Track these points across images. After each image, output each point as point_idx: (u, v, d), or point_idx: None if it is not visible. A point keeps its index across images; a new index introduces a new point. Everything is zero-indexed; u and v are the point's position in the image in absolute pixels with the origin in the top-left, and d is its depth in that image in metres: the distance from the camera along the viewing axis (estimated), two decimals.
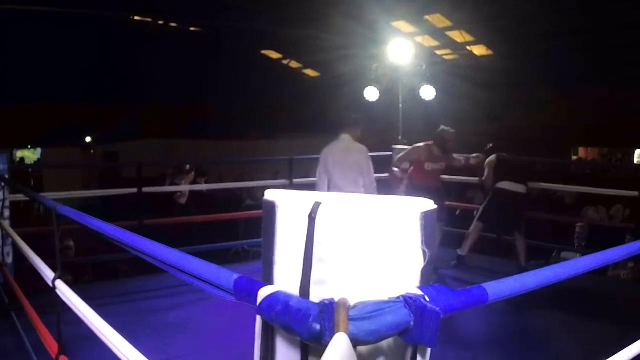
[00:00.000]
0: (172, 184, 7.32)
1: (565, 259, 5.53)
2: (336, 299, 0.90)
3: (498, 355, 3.67)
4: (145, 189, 5.51)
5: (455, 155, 5.58)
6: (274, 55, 17.05)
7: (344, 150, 4.66)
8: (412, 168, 5.42)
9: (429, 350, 1.07)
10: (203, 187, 7.91)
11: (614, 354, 1.87)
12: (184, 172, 7.14)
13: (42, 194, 4.44)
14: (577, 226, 6.31)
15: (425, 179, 5.26)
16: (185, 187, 7.54)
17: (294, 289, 1.06)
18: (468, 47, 14.17)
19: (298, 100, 15.81)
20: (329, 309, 0.89)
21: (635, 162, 16.18)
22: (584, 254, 5.30)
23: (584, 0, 10.36)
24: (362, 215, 1.03)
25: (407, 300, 0.93)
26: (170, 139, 15.00)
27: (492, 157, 5.60)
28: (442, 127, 5.38)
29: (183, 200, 7.09)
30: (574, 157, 16.67)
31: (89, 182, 12.76)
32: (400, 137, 7.07)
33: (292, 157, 6.17)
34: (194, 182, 7.25)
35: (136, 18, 13.15)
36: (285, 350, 1.13)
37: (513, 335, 3.95)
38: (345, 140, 4.70)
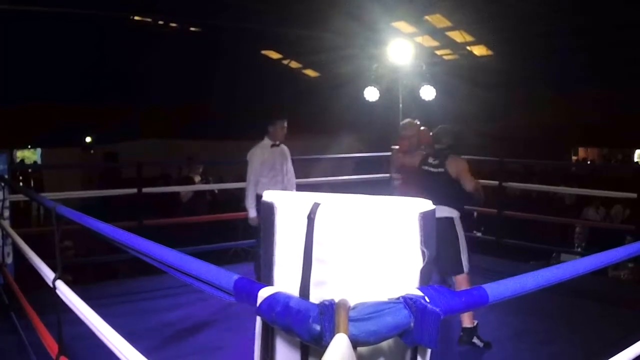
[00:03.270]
0: (187, 177, 8.07)
1: (564, 262, 5.50)
2: (336, 300, 0.90)
3: (498, 355, 3.68)
4: (145, 190, 5.52)
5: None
6: (274, 55, 17.03)
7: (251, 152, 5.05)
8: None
9: (428, 351, 1.07)
10: (203, 187, 7.94)
11: (614, 354, 1.87)
12: (195, 166, 8.13)
13: (42, 194, 4.45)
14: (577, 227, 6.31)
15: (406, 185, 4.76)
16: (185, 188, 7.60)
17: (293, 290, 1.06)
18: (468, 47, 14.16)
19: (298, 100, 15.80)
20: (328, 309, 0.89)
21: (635, 161, 16.17)
22: (583, 256, 5.29)
23: (584, 0, 10.35)
24: (361, 215, 1.02)
25: (407, 301, 0.93)
26: (170, 139, 14.99)
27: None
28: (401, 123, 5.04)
29: (187, 198, 7.48)
30: (574, 158, 16.67)
31: (89, 183, 12.76)
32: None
33: (291, 158, 6.16)
34: (203, 176, 7.84)
35: (136, 18, 13.14)
36: (285, 351, 1.13)
37: (513, 335, 3.95)
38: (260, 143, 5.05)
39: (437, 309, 0.92)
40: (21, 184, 11.34)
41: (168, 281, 4.32)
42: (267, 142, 5.00)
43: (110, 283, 5.55)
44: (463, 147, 4.52)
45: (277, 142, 5.02)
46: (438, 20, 12.55)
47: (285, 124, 5.08)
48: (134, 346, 1.83)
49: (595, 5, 10.15)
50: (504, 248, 6.08)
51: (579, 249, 6.63)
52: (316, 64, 16.61)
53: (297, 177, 6.11)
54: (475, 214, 7.28)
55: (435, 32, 13.03)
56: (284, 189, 4.99)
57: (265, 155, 4.93)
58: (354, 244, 1.02)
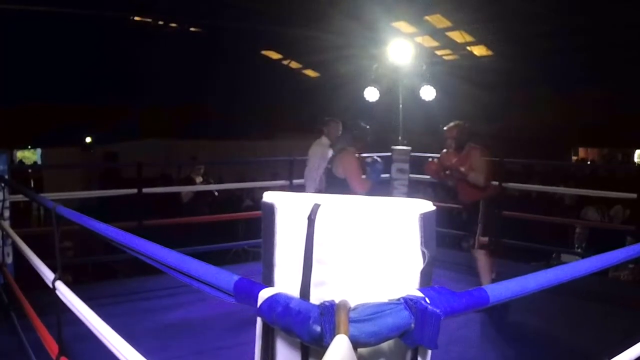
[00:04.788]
0: (188, 177, 8.11)
1: (565, 262, 5.49)
2: (336, 301, 0.90)
3: (498, 355, 3.67)
4: (145, 190, 5.51)
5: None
6: (274, 55, 17.03)
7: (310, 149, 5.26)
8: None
9: (429, 352, 1.07)
10: (202, 187, 7.94)
11: (615, 354, 1.87)
12: (197, 167, 8.18)
13: (42, 195, 4.45)
14: (577, 228, 6.29)
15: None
16: (185, 188, 7.61)
17: (294, 291, 1.06)
18: (468, 48, 14.16)
19: (298, 100, 15.80)
20: (329, 310, 0.89)
21: (636, 161, 16.16)
22: (583, 256, 5.30)
23: (584, 0, 10.35)
24: (361, 216, 1.02)
25: (408, 302, 0.92)
26: (170, 139, 14.99)
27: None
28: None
29: (187, 198, 7.52)
30: (574, 158, 16.66)
31: (89, 183, 12.75)
32: (400, 138, 7.07)
33: (292, 158, 6.17)
34: (204, 177, 7.90)
35: (136, 18, 13.13)
36: (286, 351, 1.13)
37: (513, 335, 3.95)
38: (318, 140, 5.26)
39: (438, 310, 0.92)
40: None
41: (168, 281, 4.31)
42: (325, 140, 5.22)
43: (110, 283, 5.55)
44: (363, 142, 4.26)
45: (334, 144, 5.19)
46: (438, 20, 12.55)
47: (341, 126, 5.28)
48: (133, 346, 1.83)
49: (595, 5, 10.15)
50: (504, 248, 6.08)
51: (579, 250, 6.62)
52: (316, 64, 16.60)
53: (297, 178, 6.13)
54: None
55: (435, 32, 13.03)
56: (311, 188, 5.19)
57: (325, 153, 5.13)
58: (354, 244, 1.01)
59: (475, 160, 4.43)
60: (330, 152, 5.10)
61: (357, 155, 4.23)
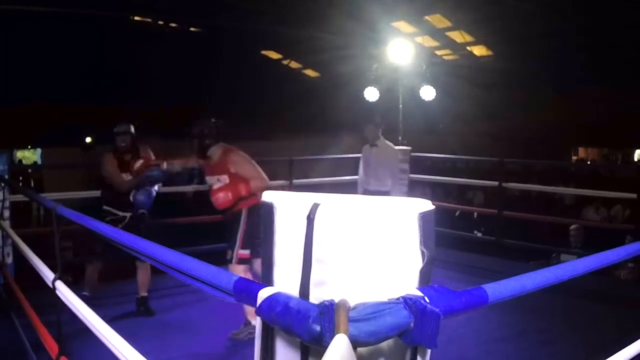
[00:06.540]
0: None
1: (564, 262, 5.47)
2: (336, 300, 0.90)
3: (497, 354, 3.67)
4: None
5: None
6: (274, 55, 17.04)
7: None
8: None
9: (428, 351, 1.07)
10: (202, 187, 7.94)
11: (614, 353, 1.87)
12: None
13: (42, 194, 4.45)
14: (571, 228, 6.26)
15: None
16: (186, 188, 7.60)
17: (293, 290, 1.06)
18: (468, 48, 14.16)
19: (298, 100, 15.81)
20: (328, 310, 0.89)
21: (636, 160, 16.16)
22: (582, 256, 5.27)
23: (584, 0, 10.36)
24: (360, 216, 1.02)
25: (407, 302, 0.92)
26: (170, 139, 14.99)
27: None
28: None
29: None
30: (574, 158, 16.67)
31: (89, 183, 12.75)
32: (400, 138, 7.07)
33: (292, 158, 6.18)
34: None
35: (136, 18, 13.14)
36: (285, 351, 1.13)
37: (512, 334, 3.95)
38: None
39: (437, 310, 0.92)
40: (21, 184, 11.33)
41: (168, 281, 4.32)
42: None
43: (111, 283, 5.54)
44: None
45: (374, 143, 5.55)
46: (438, 20, 12.55)
47: (375, 127, 5.55)
48: (133, 346, 1.83)
49: (595, 5, 10.15)
50: (504, 248, 6.08)
51: (576, 250, 6.62)
52: (316, 64, 16.61)
53: (296, 178, 6.11)
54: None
55: (435, 32, 13.04)
56: (371, 186, 5.54)
57: (364, 153, 5.71)
58: (353, 244, 1.01)
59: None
60: (370, 153, 5.56)
61: (119, 154, 4.58)
